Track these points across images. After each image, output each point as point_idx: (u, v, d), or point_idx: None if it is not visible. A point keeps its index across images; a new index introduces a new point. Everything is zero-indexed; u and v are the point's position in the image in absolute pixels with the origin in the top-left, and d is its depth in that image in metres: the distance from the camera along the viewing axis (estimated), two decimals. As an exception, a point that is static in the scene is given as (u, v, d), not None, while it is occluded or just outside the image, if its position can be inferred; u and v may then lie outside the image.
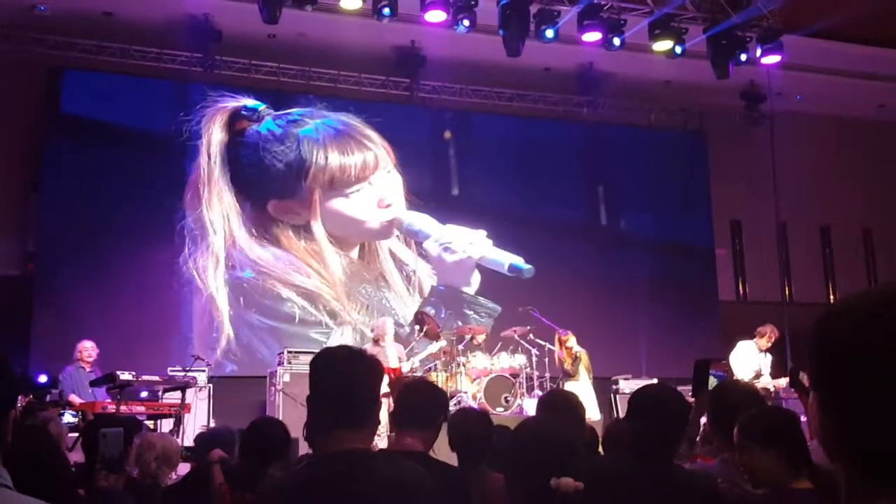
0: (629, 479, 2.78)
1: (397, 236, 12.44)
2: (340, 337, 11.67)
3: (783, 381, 9.91)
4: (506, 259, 11.87)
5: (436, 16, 10.74)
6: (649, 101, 13.92)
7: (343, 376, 2.20)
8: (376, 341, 10.04)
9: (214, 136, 11.81)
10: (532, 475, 2.35)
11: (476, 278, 12.42)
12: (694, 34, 11.59)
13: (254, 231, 11.73)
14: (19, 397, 8.09)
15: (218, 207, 11.66)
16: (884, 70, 13.40)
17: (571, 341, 10.50)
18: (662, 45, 11.54)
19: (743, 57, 11.71)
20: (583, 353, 10.52)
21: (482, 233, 12.20)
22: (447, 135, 13.37)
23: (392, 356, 9.72)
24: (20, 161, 11.40)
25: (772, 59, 11.82)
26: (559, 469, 2.30)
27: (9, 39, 11.16)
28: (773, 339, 9.98)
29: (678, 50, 11.51)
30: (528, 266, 11.78)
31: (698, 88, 13.17)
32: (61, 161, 11.42)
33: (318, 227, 11.94)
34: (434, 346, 10.20)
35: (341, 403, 2.18)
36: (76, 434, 7.48)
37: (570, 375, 10.40)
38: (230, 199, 11.72)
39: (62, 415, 7.97)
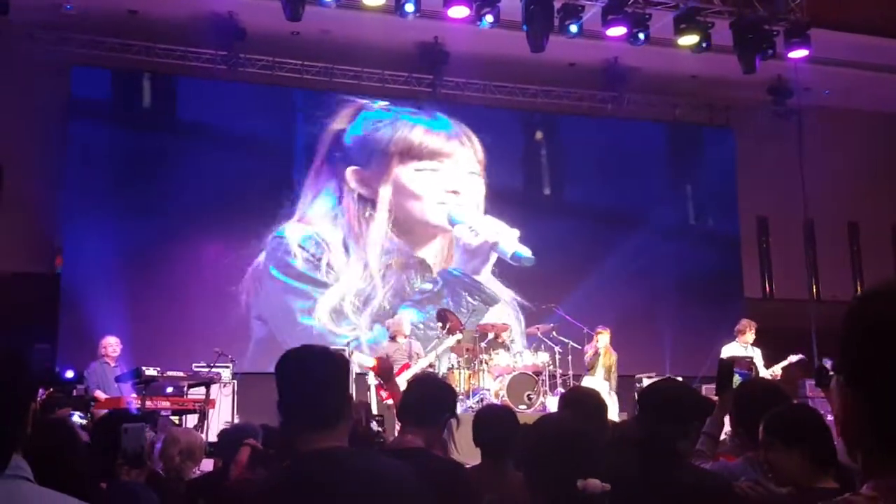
0: (631, 479, 2.73)
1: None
2: (328, 297, 12.02)
3: (778, 370, 9.89)
4: (511, 248, 12.25)
5: (459, 11, 10.71)
6: (675, 95, 13.82)
7: (313, 377, 2.20)
8: (393, 338, 10.03)
9: (337, 124, 12.48)
10: (552, 474, 2.31)
11: (486, 270, 12.62)
12: (720, 28, 11.47)
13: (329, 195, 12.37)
14: (40, 390, 8.21)
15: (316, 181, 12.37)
16: (913, 64, 13.20)
17: (600, 337, 10.50)
18: (688, 40, 11.44)
19: (770, 51, 11.58)
20: (608, 352, 10.48)
21: (516, 231, 12.44)
22: (538, 135, 13.72)
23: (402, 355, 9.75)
24: (46, 157, 11.52)
25: (799, 53, 11.68)
26: (580, 468, 2.26)
27: (35, 38, 11.29)
28: (754, 330, 9.98)
29: (704, 44, 11.40)
30: (529, 255, 12.16)
31: (725, 83, 13.05)
32: (87, 157, 11.53)
33: (385, 192, 12.45)
34: (451, 340, 10.18)
35: (314, 405, 2.18)
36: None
37: (587, 370, 10.43)
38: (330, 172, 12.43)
39: (72, 415, 8.03)
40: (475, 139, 12.92)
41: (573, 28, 11.04)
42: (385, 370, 9.23)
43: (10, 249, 11.30)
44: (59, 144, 11.52)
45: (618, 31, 11.17)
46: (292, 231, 12.10)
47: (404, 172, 12.59)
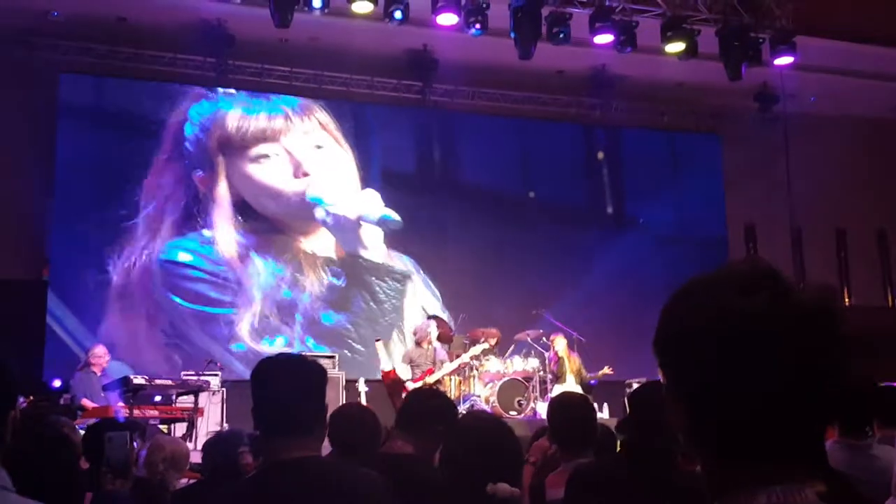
0: (618, 483, 2.72)
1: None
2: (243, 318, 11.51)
3: None
4: (376, 213, 11.82)
5: (448, 19, 10.73)
6: (662, 103, 13.87)
7: (286, 386, 2.20)
8: (418, 343, 9.98)
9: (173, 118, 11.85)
10: (469, 477, 2.28)
11: (375, 244, 12.11)
12: (706, 36, 11.53)
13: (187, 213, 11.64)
14: (20, 399, 8.13)
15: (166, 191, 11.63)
16: (898, 70, 13.30)
17: (556, 343, 10.47)
18: (675, 47, 11.48)
19: (756, 58, 11.65)
20: (572, 358, 10.46)
21: (374, 194, 12.09)
22: (600, 155, 13.45)
23: (410, 362, 9.72)
24: (34, 165, 11.46)
25: (785, 60, 11.75)
26: (496, 472, 2.23)
27: (23, 45, 11.25)
28: None
29: (690, 52, 11.46)
30: (396, 218, 11.81)
31: (711, 90, 13.11)
32: (76, 165, 11.49)
33: (222, 191, 11.67)
34: (476, 349, 10.13)
35: (287, 413, 2.18)
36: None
37: (556, 378, 10.39)
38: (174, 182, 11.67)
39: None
40: (317, 109, 12.22)
41: (561, 35, 11.07)
42: (393, 384, 9.30)
43: (-2, 257, 11.25)
44: (48, 152, 11.47)
45: (605, 38, 11.21)
46: (180, 251, 11.41)
47: (244, 167, 11.72)
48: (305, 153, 12.08)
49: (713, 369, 0.99)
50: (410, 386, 9.50)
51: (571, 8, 11.12)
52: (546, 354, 10.76)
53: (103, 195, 11.47)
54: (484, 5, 10.65)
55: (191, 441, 8.03)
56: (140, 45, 11.70)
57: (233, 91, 12.03)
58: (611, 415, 10.30)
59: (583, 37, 11.24)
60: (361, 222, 11.97)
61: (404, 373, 9.72)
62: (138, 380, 8.29)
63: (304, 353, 2.38)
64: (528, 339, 10.95)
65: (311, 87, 12.52)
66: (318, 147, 12.21)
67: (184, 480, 4.44)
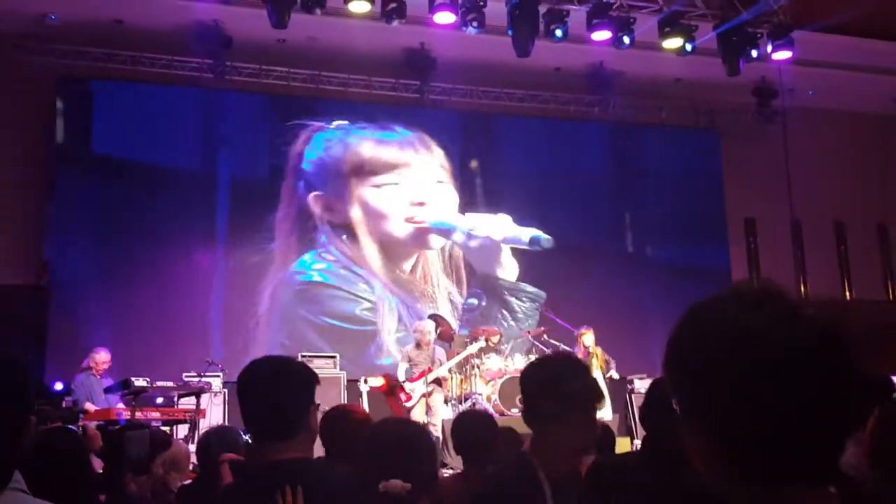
0: (631, 481, 2.69)
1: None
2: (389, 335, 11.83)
3: None
4: (525, 233, 11.99)
5: (445, 17, 10.73)
6: (660, 99, 13.86)
7: (269, 388, 2.23)
8: (418, 344, 10.01)
9: (294, 149, 12.25)
10: (382, 475, 2.31)
11: (511, 264, 12.48)
12: (704, 31, 11.53)
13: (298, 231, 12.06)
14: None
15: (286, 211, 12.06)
16: (896, 64, 13.30)
17: (586, 337, 10.48)
18: (672, 43, 11.49)
19: (754, 53, 11.65)
20: (598, 351, 10.49)
21: (506, 217, 12.35)
22: (473, 164, 13.44)
23: (423, 361, 9.79)
24: (34, 169, 11.46)
25: (783, 54, 11.75)
26: (404, 470, 2.26)
27: (20, 48, 11.23)
28: None
29: (688, 47, 11.46)
30: (546, 236, 11.91)
31: (709, 86, 13.11)
32: (74, 169, 11.49)
33: (355, 214, 12.12)
34: (473, 347, 10.20)
35: (271, 415, 2.21)
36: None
37: None
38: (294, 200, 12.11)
39: None
40: (435, 146, 12.67)
41: (558, 32, 11.07)
42: (391, 387, 9.52)
43: (-3, 261, 11.24)
44: (45, 155, 11.46)
45: (602, 35, 11.21)
46: (322, 269, 11.91)
47: (366, 191, 12.26)
48: (425, 186, 12.49)
49: (724, 388, 0.96)
50: (407, 386, 9.58)
51: (568, 5, 11.12)
52: (547, 351, 10.74)
53: (101, 199, 11.46)
54: (481, 3, 10.63)
55: (192, 443, 8.02)
56: (137, 47, 11.69)
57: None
58: (613, 412, 10.30)
59: (580, 33, 11.24)
60: (504, 245, 12.27)
61: (401, 373, 9.80)
62: (140, 382, 8.30)
63: (288, 356, 2.40)
64: (530, 337, 10.95)
65: (309, 87, 12.52)
66: (438, 182, 12.60)
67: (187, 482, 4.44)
